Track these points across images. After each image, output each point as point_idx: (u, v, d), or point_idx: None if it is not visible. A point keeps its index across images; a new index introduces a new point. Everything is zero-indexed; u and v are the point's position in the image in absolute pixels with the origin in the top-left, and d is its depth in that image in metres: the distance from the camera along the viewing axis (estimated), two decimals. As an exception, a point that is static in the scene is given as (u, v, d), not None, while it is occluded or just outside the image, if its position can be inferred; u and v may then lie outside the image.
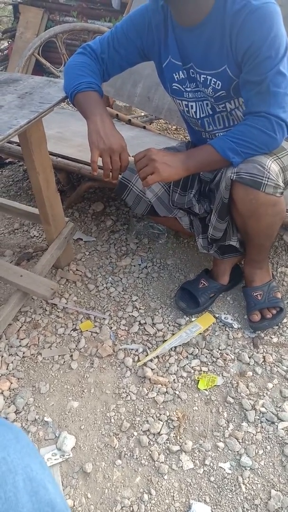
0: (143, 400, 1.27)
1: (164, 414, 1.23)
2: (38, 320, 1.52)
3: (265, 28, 1.01)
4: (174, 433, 1.19)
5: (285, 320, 1.45)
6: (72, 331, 1.48)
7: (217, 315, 1.50)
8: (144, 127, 2.35)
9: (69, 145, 1.95)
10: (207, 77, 1.17)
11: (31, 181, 1.46)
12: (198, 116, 1.29)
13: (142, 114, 2.77)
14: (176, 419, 1.22)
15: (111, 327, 1.49)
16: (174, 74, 1.24)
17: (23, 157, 1.41)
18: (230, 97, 1.19)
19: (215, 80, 1.16)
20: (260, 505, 1.04)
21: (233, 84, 1.15)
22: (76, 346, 1.43)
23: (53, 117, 2.24)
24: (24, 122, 1.13)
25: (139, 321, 1.50)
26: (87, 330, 1.48)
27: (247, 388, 1.28)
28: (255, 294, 1.44)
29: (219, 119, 1.27)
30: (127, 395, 1.29)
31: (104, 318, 1.52)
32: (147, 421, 1.22)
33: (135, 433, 1.20)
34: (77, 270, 1.72)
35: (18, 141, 1.42)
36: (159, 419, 1.22)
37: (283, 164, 1.19)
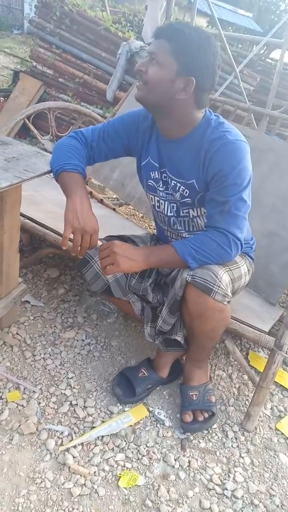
0: (57, 490, 1.18)
1: (77, 509, 1.14)
2: None
3: (235, 159, 1.19)
4: (84, 534, 1.10)
5: (215, 426, 1.45)
6: (-3, 399, 1.39)
7: (150, 409, 1.47)
8: (114, 209, 2.46)
9: (39, 210, 1.99)
10: (177, 184, 1.31)
11: (-5, 237, 1.45)
12: (166, 213, 1.41)
13: (114, 196, 2.92)
14: (89, 517, 1.13)
15: (40, 403, 1.41)
16: (150, 173, 1.38)
17: (-6, 213, 1.43)
18: (194, 205, 1.33)
19: (184, 188, 1.30)
20: None
21: (199, 196, 1.29)
22: (-2, 416, 1.34)
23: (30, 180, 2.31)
24: (5, 184, 1.16)
25: (71, 401, 1.44)
26: (13, 401, 1.39)
27: (168, 493, 1.23)
28: (191, 393, 1.45)
29: (181, 222, 1.40)
30: (41, 481, 1.19)
31: (34, 391, 1.44)
32: (57, 515, 1.12)
33: (41, 528, 1.09)
34: (17, 333, 1.66)
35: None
36: (70, 515, 1.13)
37: (233, 276, 1.31)
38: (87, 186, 2.63)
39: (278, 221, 1.93)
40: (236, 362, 1.73)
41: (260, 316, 1.64)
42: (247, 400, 1.58)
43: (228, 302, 1.29)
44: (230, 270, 1.31)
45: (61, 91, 4.44)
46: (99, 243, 1.27)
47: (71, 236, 1.21)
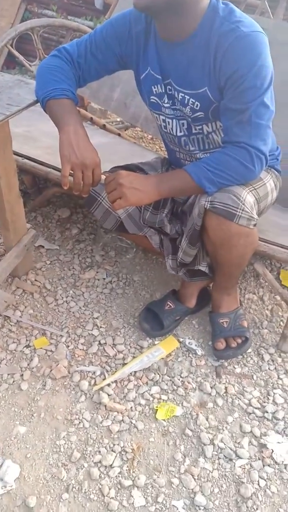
0: (96, 428, 1.19)
1: (118, 444, 1.16)
2: (-12, 334, 1.40)
3: (252, 56, 0.99)
4: (127, 466, 1.12)
5: (249, 350, 1.41)
6: (25, 348, 1.38)
7: (181, 340, 1.44)
8: (119, 134, 2.27)
9: (37, 146, 1.84)
10: (186, 96, 1.12)
11: (-8, 183, 1.35)
12: (175, 134, 1.24)
13: (118, 119, 2.69)
14: (131, 450, 1.15)
15: (68, 346, 1.40)
16: (152, 87, 1.19)
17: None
18: (208, 120, 1.15)
19: (194, 101, 1.12)
20: None
21: (212, 107, 1.11)
22: (28, 364, 1.33)
23: (21, 114, 2.12)
24: (-12, 124, 1.03)
25: (99, 341, 1.42)
26: (41, 348, 1.38)
27: (207, 420, 1.22)
28: (221, 321, 1.39)
29: (194, 141, 1.23)
30: (79, 422, 1.20)
31: (61, 335, 1.42)
32: (99, 451, 1.14)
33: (86, 465, 1.12)
34: (35, 280, 1.61)
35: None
36: (112, 450, 1.15)
37: (258, 196, 1.17)
38: (86, 111, 2.42)
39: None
40: (267, 284, 1.65)
41: (290, 233, 1.52)
42: (281, 321, 1.53)
43: (254, 225, 1.17)
44: (255, 189, 1.17)
45: (43, 6, 3.97)
46: (103, 177, 1.14)
47: (72, 172, 1.08)
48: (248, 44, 0.99)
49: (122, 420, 1.21)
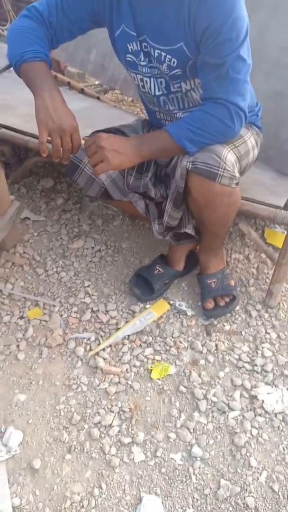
0: (94, 391, 1.23)
1: (116, 405, 1.20)
2: (-19, 308, 1.42)
3: (227, 8, 0.96)
4: (126, 425, 1.17)
5: (237, 308, 1.45)
6: (19, 319, 1.40)
7: (171, 302, 1.47)
8: (98, 98, 2.21)
9: (15, 115, 1.79)
10: (162, 53, 1.09)
11: (-29, 156, 1.32)
12: (153, 93, 1.21)
13: (96, 82, 2.61)
14: (128, 410, 1.20)
15: (62, 315, 1.42)
16: (127, 45, 1.15)
17: None
18: (186, 77, 1.12)
19: (170, 57, 1.09)
20: (209, 495, 1.05)
21: (190, 63, 1.08)
22: (23, 335, 1.36)
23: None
24: None
25: (92, 308, 1.44)
26: (35, 318, 1.40)
27: (199, 377, 1.27)
28: (209, 281, 1.42)
29: (173, 100, 1.21)
30: (77, 387, 1.24)
31: (54, 305, 1.44)
32: (98, 413, 1.19)
33: (86, 426, 1.16)
34: (24, 252, 1.62)
35: None
36: (110, 411, 1.19)
37: (239, 153, 1.17)
38: (63, 76, 2.34)
39: (284, 78, 1.68)
40: (252, 243, 1.68)
41: (273, 191, 1.52)
42: (267, 278, 1.56)
43: (237, 183, 1.17)
44: (235, 147, 1.16)
45: None
46: (83, 142, 1.12)
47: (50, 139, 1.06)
48: None
49: (119, 382, 1.26)
